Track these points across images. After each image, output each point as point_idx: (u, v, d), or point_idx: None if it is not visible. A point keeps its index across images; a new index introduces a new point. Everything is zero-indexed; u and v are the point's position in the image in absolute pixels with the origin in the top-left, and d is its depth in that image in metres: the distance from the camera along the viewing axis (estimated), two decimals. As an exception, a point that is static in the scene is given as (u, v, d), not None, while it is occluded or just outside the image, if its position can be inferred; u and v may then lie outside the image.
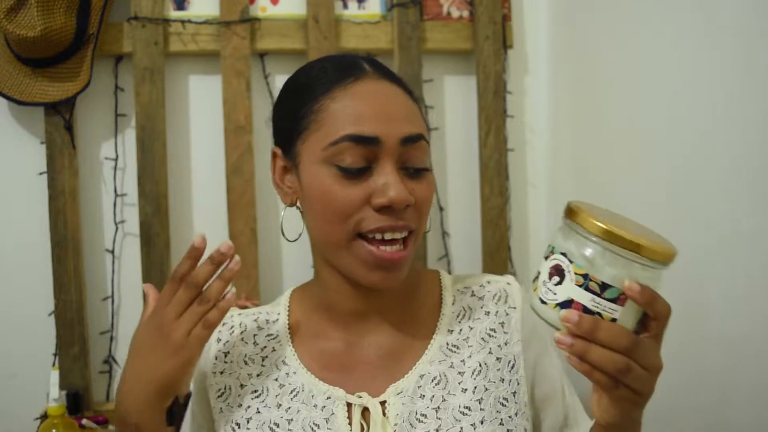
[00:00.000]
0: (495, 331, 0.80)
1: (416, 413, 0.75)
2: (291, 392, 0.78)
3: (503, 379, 0.77)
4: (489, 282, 0.85)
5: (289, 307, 0.86)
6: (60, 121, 1.44)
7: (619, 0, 1.32)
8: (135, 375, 0.73)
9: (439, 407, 0.75)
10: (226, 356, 0.83)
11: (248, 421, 0.77)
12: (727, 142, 1.01)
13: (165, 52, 1.49)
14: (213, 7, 1.51)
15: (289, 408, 0.77)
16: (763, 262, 0.95)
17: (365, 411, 0.76)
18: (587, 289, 0.57)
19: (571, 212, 0.60)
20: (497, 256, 1.58)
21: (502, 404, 0.76)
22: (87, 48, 1.42)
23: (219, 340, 0.84)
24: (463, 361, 0.78)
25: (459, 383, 0.77)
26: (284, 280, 1.59)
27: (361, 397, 0.76)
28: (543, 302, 0.59)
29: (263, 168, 1.56)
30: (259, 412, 0.78)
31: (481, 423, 0.74)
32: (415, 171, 0.74)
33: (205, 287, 0.72)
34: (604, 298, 0.57)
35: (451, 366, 0.78)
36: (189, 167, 1.56)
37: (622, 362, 0.58)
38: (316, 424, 0.75)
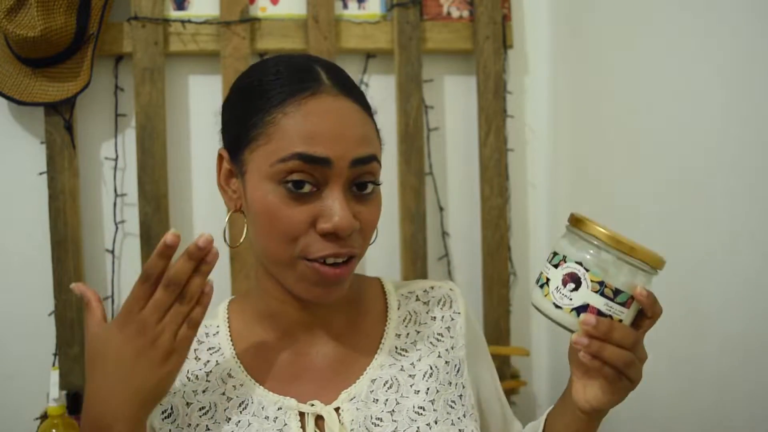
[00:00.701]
0: (442, 336, 0.83)
1: (371, 417, 0.75)
2: (240, 405, 0.76)
3: (451, 383, 0.80)
4: (432, 288, 0.88)
5: (228, 318, 0.83)
6: (60, 121, 1.44)
7: (619, 0, 1.32)
8: (112, 390, 0.65)
9: (393, 410, 0.76)
10: None
11: None
12: (727, 142, 1.01)
13: (165, 52, 1.49)
14: (213, 7, 1.52)
15: (239, 422, 0.75)
16: (763, 262, 0.95)
17: (319, 419, 0.75)
18: (602, 294, 0.64)
19: (582, 224, 0.66)
20: (497, 256, 1.58)
21: (451, 406, 0.78)
22: (87, 48, 1.42)
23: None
24: (413, 364, 0.80)
25: (411, 386, 0.78)
26: (284, 280, 1.59)
27: (313, 405, 0.75)
28: (558, 307, 0.65)
29: (263, 168, 1.56)
30: (208, 429, 0.75)
31: (435, 423, 0.76)
32: (361, 192, 0.72)
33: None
34: (616, 302, 0.64)
35: (401, 369, 0.79)
36: (189, 167, 1.56)
37: (629, 358, 0.65)
38: None
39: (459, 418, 0.77)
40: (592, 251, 0.65)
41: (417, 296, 0.86)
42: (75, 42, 1.39)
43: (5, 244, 1.47)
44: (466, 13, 1.60)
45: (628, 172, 1.28)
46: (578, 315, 0.64)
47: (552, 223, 1.65)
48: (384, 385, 0.78)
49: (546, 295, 0.67)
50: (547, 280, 0.67)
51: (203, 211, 1.56)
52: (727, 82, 1.01)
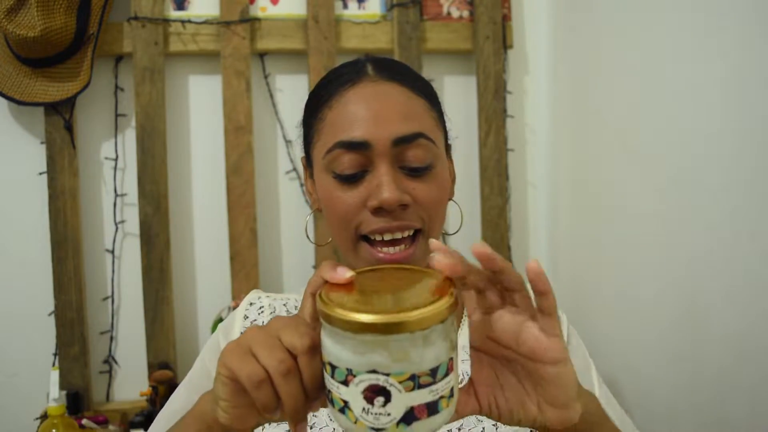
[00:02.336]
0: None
1: None
2: None
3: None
4: None
5: None
6: (60, 121, 1.44)
7: (619, 0, 1.32)
8: None
9: None
10: None
11: None
12: (727, 142, 1.01)
13: (165, 52, 1.49)
14: (213, 7, 1.52)
15: None
16: (762, 262, 0.95)
17: None
18: (420, 387, 0.48)
19: (343, 321, 0.47)
20: (497, 256, 1.58)
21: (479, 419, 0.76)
22: (87, 48, 1.42)
23: (246, 317, 0.86)
24: None
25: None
26: (284, 280, 1.59)
27: None
28: (378, 429, 0.48)
29: (263, 168, 1.56)
30: None
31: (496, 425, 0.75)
32: (413, 170, 0.73)
33: None
34: (439, 381, 0.49)
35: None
36: (189, 167, 1.56)
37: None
38: None
39: (495, 425, 0.75)
40: (380, 349, 0.47)
41: None
42: (75, 42, 1.39)
43: (5, 244, 1.47)
44: (466, 13, 1.60)
45: (627, 171, 1.28)
46: (408, 424, 0.48)
47: (552, 223, 1.65)
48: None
49: (356, 422, 0.49)
50: (345, 403, 0.49)
51: (203, 211, 1.56)
52: (726, 81, 1.01)
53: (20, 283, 1.47)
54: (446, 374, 0.49)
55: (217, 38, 1.51)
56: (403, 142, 0.72)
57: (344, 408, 0.49)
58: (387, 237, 0.73)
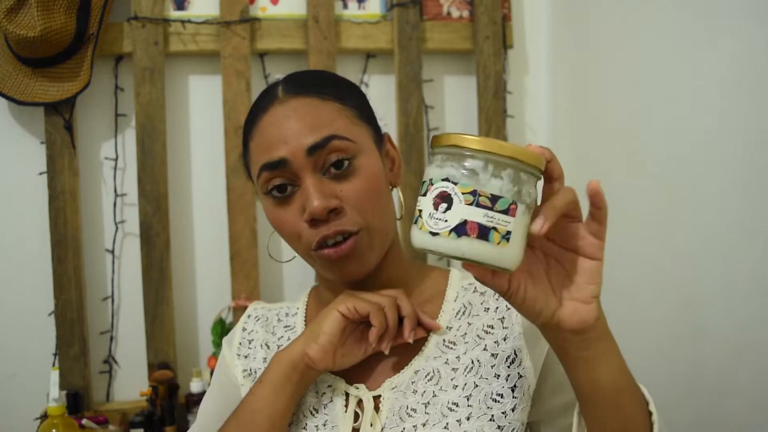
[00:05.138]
0: (493, 327, 0.80)
1: (407, 407, 0.77)
2: None
3: (498, 375, 0.77)
4: None
5: (307, 302, 0.93)
6: (60, 121, 1.44)
7: (619, 0, 1.32)
8: None
9: (429, 402, 0.77)
10: (250, 343, 0.90)
11: None
12: (727, 142, 1.01)
13: (165, 52, 1.49)
14: (213, 7, 1.51)
15: None
16: (760, 260, 0.96)
17: (361, 402, 0.79)
18: (478, 205, 0.55)
19: (441, 139, 0.58)
20: (497, 256, 1.58)
21: (495, 400, 0.76)
22: (87, 48, 1.42)
23: (244, 329, 0.92)
24: (458, 357, 0.79)
25: (451, 379, 0.78)
26: (284, 280, 1.59)
27: (358, 388, 0.80)
28: (435, 234, 0.56)
29: (263, 168, 1.56)
30: None
31: (467, 419, 0.74)
32: (337, 170, 0.76)
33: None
34: (497, 211, 0.55)
35: (446, 362, 0.79)
36: (189, 167, 1.56)
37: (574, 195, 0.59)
38: (315, 409, 0.81)
39: (503, 413, 0.75)
40: (456, 163, 0.56)
41: (476, 287, 0.85)
42: (75, 42, 1.39)
43: (5, 244, 1.47)
44: (466, 13, 1.60)
45: (627, 171, 1.28)
46: (458, 236, 0.55)
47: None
48: (426, 376, 0.78)
49: (421, 228, 0.57)
50: (420, 212, 0.58)
51: (203, 211, 1.56)
52: (725, 81, 1.01)
53: (20, 283, 1.47)
54: (506, 211, 0.55)
55: (217, 38, 1.51)
56: (316, 148, 0.75)
57: (418, 218, 0.58)
58: (330, 242, 0.76)
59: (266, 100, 0.81)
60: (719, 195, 1.03)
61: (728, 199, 1.01)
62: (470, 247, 0.55)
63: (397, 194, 0.87)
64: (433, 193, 0.57)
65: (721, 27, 1.02)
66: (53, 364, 1.45)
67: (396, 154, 0.87)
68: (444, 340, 0.81)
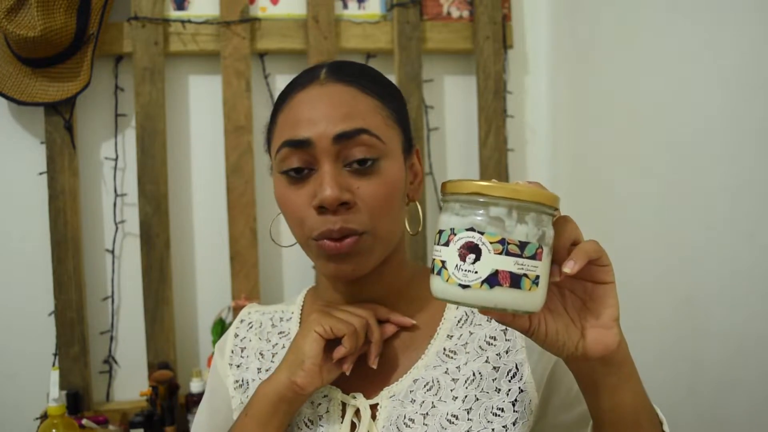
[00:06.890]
0: (495, 339, 0.79)
1: (405, 417, 0.75)
2: None
3: (499, 389, 0.76)
4: None
5: (302, 306, 0.89)
6: (60, 121, 1.44)
7: (619, 0, 1.33)
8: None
9: (427, 413, 0.75)
10: (242, 351, 0.87)
11: None
12: (727, 142, 1.01)
13: (165, 52, 1.49)
14: (213, 7, 1.52)
15: None
16: (761, 260, 0.96)
17: (358, 410, 0.76)
18: (508, 253, 0.54)
19: (455, 186, 0.57)
20: (497, 256, 1.58)
21: (496, 414, 0.74)
22: (87, 48, 1.42)
23: (237, 335, 0.89)
24: (458, 367, 0.77)
25: (451, 390, 0.76)
26: (284, 280, 1.59)
27: (355, 398, 0.77)
28: (466, 286, 0.55)
29: (263, 168, 1.56)
30: None
31: None
32: (359, 166, 0.73)
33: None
34: (526, 257, 0.55)
35: (445, 372, 0.77)
36: (189, 167, 1.56)
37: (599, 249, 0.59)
38: (310, 420, 0.78)
39: (504, 427, 0.73)
40: (479, 211, 0.55)
41: None
42: (75, 42, 1.39)
43: (5, 244, 1.47)
44: (466, 13, 1.60)
45: (627, 171, 1.28)
46: (491, 287, 0.54)
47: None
48: (424, 386, 0.77)
49: (447, 280, 0.56)
50: (443, 263, 0.57)
51: (203, 211, 1.56)
52: (725, 81, 1.01)
53: (20, 283, 1.47)
54: (533, 257, 0.55)
55: (217, 38, 1.51)
56: (344, 138, 0.73)
57: (441, 269, 0.57)
58: (334, 236, 0.73)
59: (306, 78, 0.78)
60: (719, 194, 1.03)
61: (728, 199, 1.01)
62: (504, 296, 0.55)
63: (416, 208, 0.84)
64: (457, 244, 0.56)
65: (721, 27, 1.02)
66: (53, 364, 1.45)
67: (420, 169, 0.84)
68: (444, 349, 0.79)
